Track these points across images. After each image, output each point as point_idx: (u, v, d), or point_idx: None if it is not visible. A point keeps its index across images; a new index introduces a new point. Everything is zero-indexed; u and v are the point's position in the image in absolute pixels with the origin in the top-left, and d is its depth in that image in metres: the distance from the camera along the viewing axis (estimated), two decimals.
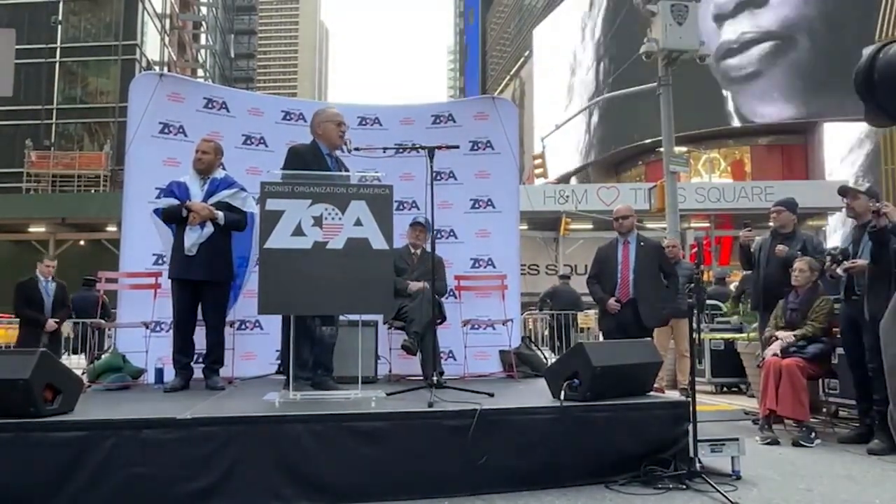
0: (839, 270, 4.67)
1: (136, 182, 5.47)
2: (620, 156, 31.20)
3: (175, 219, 4.57)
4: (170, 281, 4.64)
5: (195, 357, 4.68)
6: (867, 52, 1.46)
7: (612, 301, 5.48)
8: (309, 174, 3.87)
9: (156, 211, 4.85)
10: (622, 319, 5.42)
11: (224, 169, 4.83)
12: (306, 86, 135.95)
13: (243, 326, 5.55)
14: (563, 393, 3.52)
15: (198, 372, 4.66)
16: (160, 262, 5.27)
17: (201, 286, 4.55)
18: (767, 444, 4.55)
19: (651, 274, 5.54)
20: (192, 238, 4.47)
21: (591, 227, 20.49)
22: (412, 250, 5.49)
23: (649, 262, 5.56)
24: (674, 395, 6.18)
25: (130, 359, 4.91)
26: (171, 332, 4.66)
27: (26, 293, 7.53)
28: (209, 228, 4.50)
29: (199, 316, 4.66)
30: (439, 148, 4.32)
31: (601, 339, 6.65)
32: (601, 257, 5.74)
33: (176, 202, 4.54)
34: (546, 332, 11.16)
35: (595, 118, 32.39)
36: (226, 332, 5.17)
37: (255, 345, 5.56)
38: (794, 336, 4.88)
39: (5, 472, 2.85)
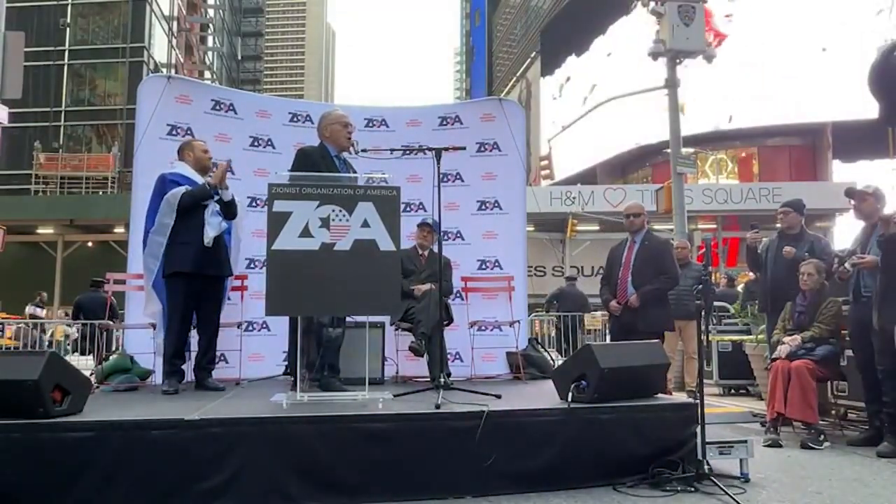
0: (847, 265, 4.62)
1: (145, 184, 5.44)
2: (627, 157, 31.08)
3: (202, 200, 4.41)
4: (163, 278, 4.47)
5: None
6: (881, 49, 1.45)
7: (613, 303, 5.39)
8: (316, 175, 3.89)
9: (183, 197, 4.36)
10: (625, 321, 5.31)
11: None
12: (313, 87, 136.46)
13: (251, 328, 5.56)
14: (570, 395, 3.51)
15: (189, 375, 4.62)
16: None
17: (205, 282, 4.47)
18: (769, 446, 4.53)
19: (651, 275, 5.29)
20: (215, 228, 4.39)
21: (597, 228, 20.44)
22: (420, 251, 5.50)
23: (650, 263, 5.33)
24: (681, 396, 6.16)
25: (138, 360, 4.93)
26: (166, 333, 4.48)
27: None
28: (225, 222, 4.50)
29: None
30: (446, 149, 4.31)
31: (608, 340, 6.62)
32: (610, 258, 5.63)
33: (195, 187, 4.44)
34: (553, 334, 11.13)
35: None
36: (233, 334, 5.18)
37: (263, 346, 5.58)
38: (802, 339, 4.86)
39: (14, 472, 2.87)
